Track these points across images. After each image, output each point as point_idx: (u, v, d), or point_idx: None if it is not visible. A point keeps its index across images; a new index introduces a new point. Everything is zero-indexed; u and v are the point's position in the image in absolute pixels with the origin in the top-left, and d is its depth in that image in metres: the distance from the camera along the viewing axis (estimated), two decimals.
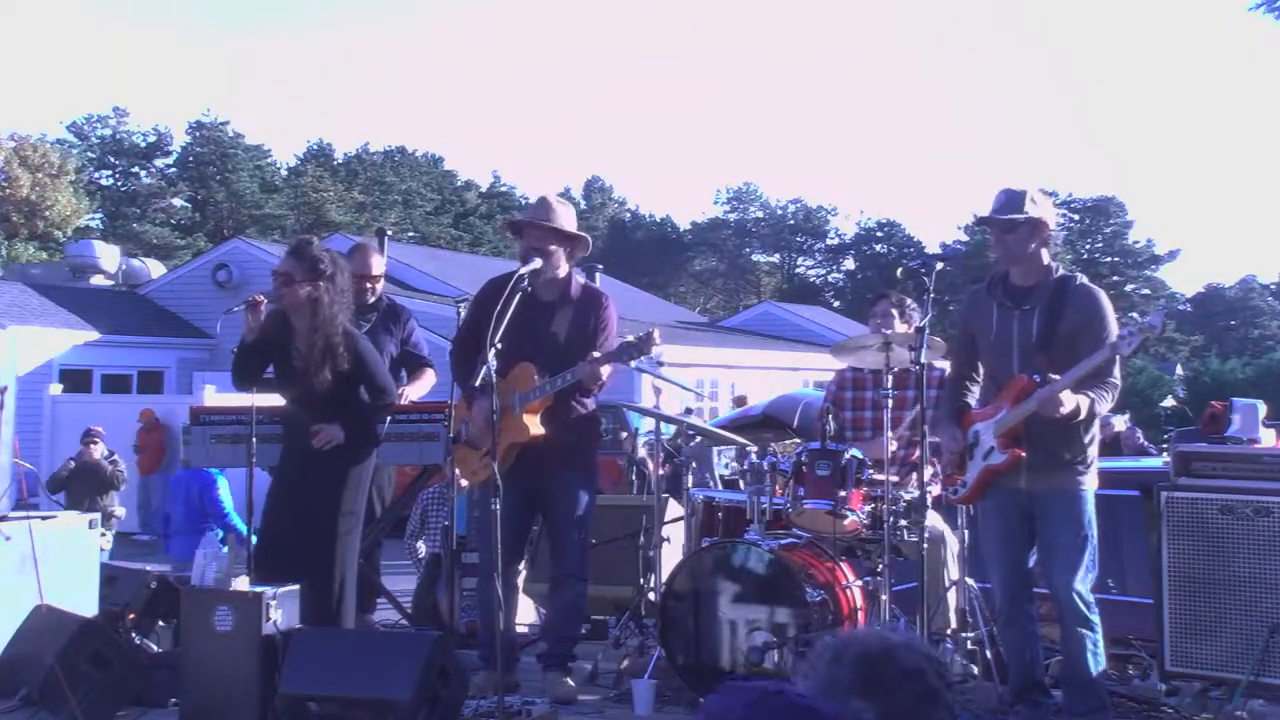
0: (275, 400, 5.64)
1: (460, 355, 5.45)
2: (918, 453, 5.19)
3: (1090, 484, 4.65)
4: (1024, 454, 4.57)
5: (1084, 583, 4.57)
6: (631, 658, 5.63)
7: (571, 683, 5.26)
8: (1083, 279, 4.76)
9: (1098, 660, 4.59)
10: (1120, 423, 16.73)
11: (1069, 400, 4.44)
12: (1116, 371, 4.62)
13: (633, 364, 5.45)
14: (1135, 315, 4.63)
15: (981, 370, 4.91)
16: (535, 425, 5.23)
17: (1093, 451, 4.69)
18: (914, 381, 5.15)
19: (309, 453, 5.34)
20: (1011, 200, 4.68)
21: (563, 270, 5.42)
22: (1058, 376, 4.45)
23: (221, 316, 6.11)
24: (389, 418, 6.04)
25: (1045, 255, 4.73)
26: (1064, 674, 4.73)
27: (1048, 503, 4.62)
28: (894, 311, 5.76)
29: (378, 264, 6.55)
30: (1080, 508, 4.60)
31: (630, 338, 5.22)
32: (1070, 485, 4.61)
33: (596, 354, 5.18)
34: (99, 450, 12.42)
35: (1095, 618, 4.59)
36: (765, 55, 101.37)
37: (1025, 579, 4.77)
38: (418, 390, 6.43)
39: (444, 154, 74.57)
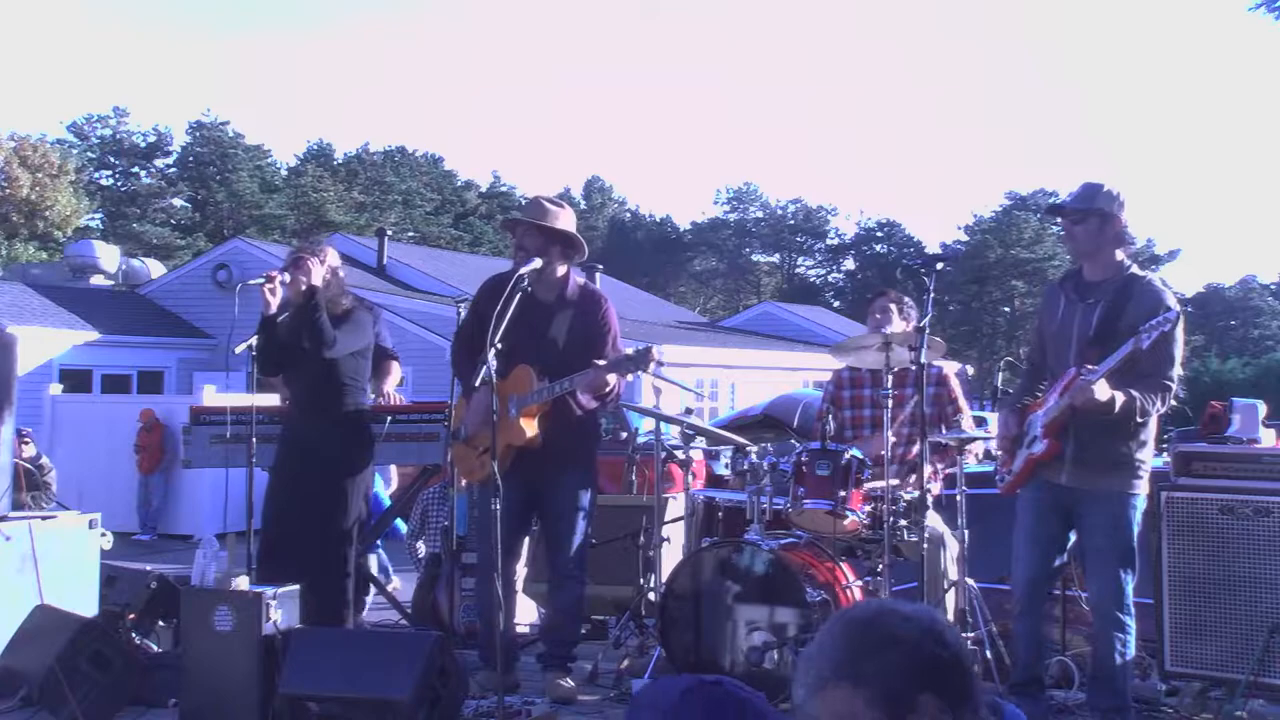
0: (275, 400, 5.65)
1: (460, 354, 5.45)
2: (916, 450, 5.20)
3: (1139, 489, 4.57)
4: (1061, 445, 4.52)
5: (1121, 588, 4.51)
6: (631, 658, 5.64)
7: (571, 683, 5.26)
8: (1151, 276, 4.70)
9: (1125, 659, 4.54)
10: None
11: (1102, 392, 4.37)
12: (1171, 373, 4.54)
13: (629, 377, 5.45)
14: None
15: None
16: (531, 429, 5.21)
17: (1143, 455, 4.59)
18: (913, 380, 5.15)
19: (307, 452, 5.35)
20: (1087, 192, 4.67)
21: (560, 271, 5.41)
22: (1095, 367, 4.43)
23: (240, 284, 6.03)
24: (389, 418, 6.05)
25: (1119, 253, 4.68)
26: (1090, 669, 4.71)
27: (1089, 503, 4.57)
28: (892, 308, 5.76)
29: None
30: (1121, 511, 4.52)
31: (629, 351, 5.22)
32: (1114, 487, 4.54)
33: (598, 363, 5.17)
34: (28, 451, 12.32)
35: (1129, 620, 4.53)
36: (765, 55, 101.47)
37: (1048, 577, 4.74)
38: (390, 383, 6.51)
39: (444, 154, 74.93)
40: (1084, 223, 4.64)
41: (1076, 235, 4.68)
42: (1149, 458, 4.63)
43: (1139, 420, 4.52)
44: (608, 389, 5.24)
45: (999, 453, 4.86)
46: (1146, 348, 4.34)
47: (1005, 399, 4.86)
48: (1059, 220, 4.83)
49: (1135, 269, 4.71)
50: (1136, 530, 4.56)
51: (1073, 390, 4.42)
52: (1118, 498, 4.54)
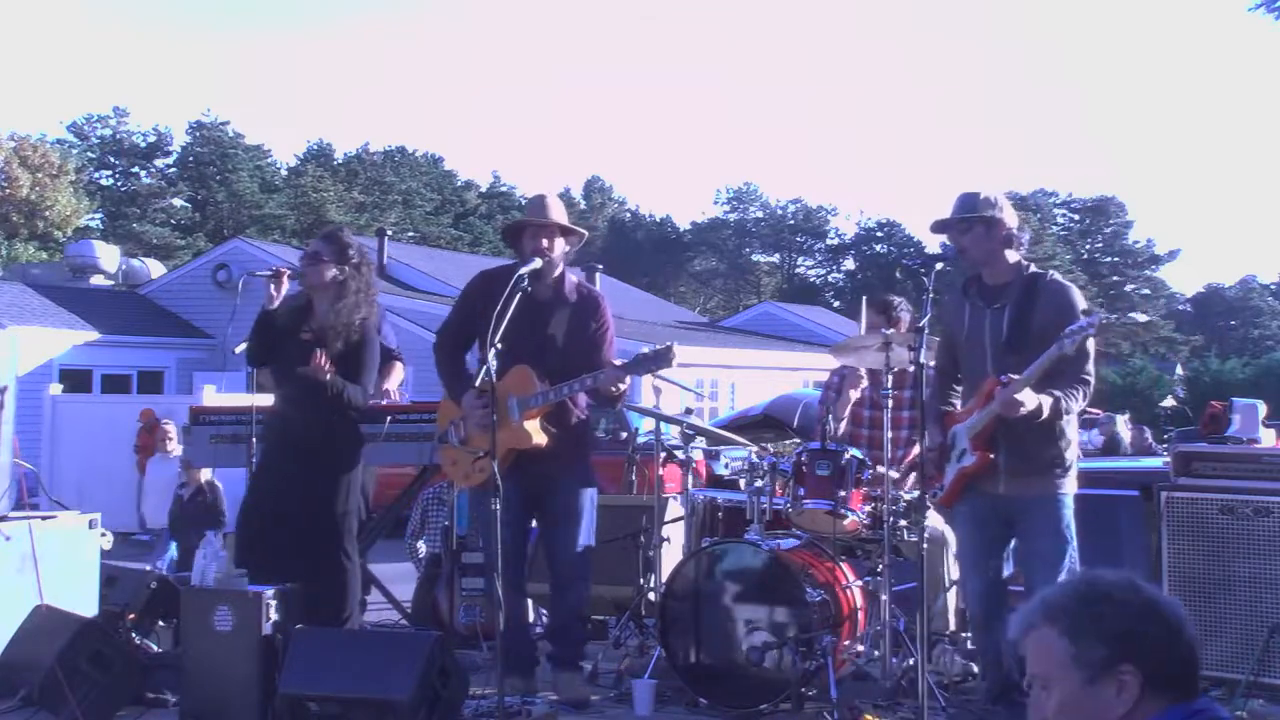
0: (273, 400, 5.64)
1: (444, 352, 5.36)
2: (915, 451, 5.19)
3: (1070, 488, 4.62)
4: (993, 457, 4.54)
5: None
6: (631, 658, 5.63)
7: (586, 684, 5.24)
8: (1055, 275, 4.75)
9: None
10: (1121, 423, 16.68)
11: (1030, 400, 4.41)
12: (1089, 368, 4.58)
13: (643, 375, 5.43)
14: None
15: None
16: (536, 432, 5.12)
17: (1071, 455, 4.65)
18: (912, 381, 5.15)
19: (297, 451, 5.33)
20: (967, 202, 4.71)
21: (557, 269, 5.35)
22: (1017, 377, 4.43)
23: (246, 275, 6.20)
24: (389, 418, 6.04)
25: (1011, 255, 4.72)
26: None
27: (1028, 509, 4.60)
28: (880, 322, 5.80)
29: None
30: (1060, 513, 4.57)
31: (648, 350, 5.17)
32: (1050, 490, 4.58)
33: (617, 362, 5.12)
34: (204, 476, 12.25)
35: None
36: (765, 55, 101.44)
37: (1000, 585, 4.75)
38: (392, 383, 6.52)
39: (444, 154, 74.79)
40: (970, 232, 4.68)
41: (966, 245, 4.71)
42: (1074, 455, 4.68)
43: (1064, 419, 4.56)
44: (620, 389, 5.19)
45: (926, 468, 4.77)
46: (1070, 351, 4.33)
47: (928, 408, 4.75)
48: (946, 236, 4.79)
49: (1034, 268, 4.75)
50: (1073, 528, 4.59)
51: (999, 401, 4.42)
52: (1054, 500, 4.58)
